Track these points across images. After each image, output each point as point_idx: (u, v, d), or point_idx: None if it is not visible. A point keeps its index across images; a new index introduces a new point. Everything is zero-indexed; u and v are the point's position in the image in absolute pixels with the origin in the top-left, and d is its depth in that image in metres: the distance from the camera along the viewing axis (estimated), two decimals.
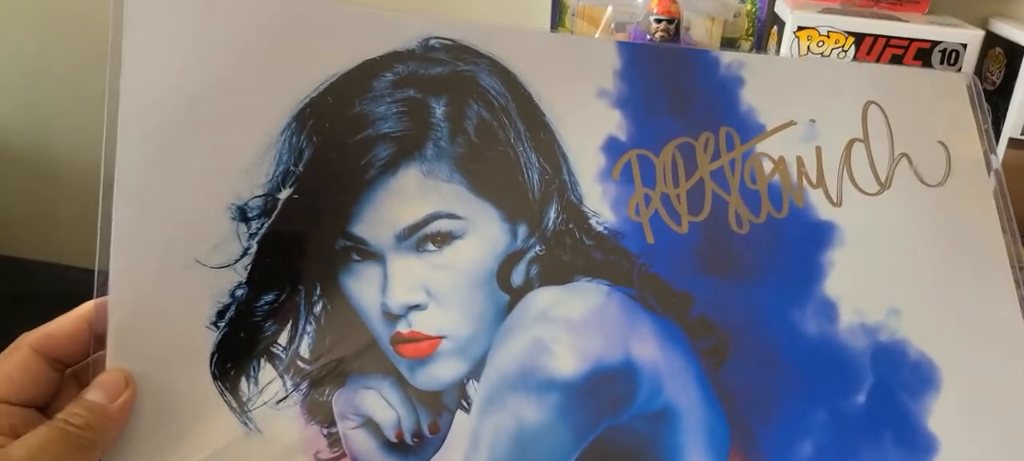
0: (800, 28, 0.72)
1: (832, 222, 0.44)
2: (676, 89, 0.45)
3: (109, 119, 0.37)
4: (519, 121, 0.42)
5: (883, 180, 0.46)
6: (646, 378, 0.40)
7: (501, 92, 0.42)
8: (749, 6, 0.85)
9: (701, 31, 0.84)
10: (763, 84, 0.46)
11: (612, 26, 0.84)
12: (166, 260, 0.37)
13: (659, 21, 0.80)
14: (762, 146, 0.45)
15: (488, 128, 0.42)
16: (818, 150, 0.45)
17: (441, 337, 0.39)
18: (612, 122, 0.44)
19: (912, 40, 0.71)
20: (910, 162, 0.46)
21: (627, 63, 0.45)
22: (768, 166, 0.45)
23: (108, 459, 0.35)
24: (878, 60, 0.72)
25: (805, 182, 0.45)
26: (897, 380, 0.42)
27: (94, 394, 0.35)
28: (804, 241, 0.44)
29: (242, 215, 0.38)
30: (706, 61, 0.46)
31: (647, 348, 0.40)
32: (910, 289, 0.44)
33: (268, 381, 0.38)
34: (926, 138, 0.47)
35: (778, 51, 0.76)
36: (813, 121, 0.46)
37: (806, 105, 0.46)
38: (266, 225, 0.39)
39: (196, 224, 0.38)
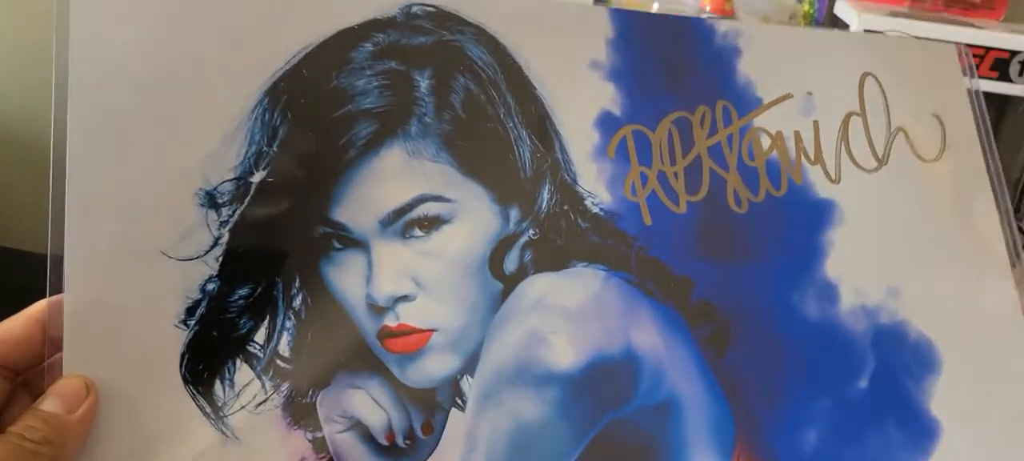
0: (866, 32, 0.68)
1: (831, 200, 0.43)
2: (671, 60, 0.43)
3: (58, 96, 0.33)
4: (509, 95, 0.39)
5: (880, 155, 0.44)
6: (648, 368, 0.38)
7: (489, 63, 0.39)
8: (806, 7, 0.81)
9: None
10: (760, 55, 0.44)
11: None
12: (127, 253, 0.34)
13: None
14: (759, 120, 0.43)
15: (476, 102, 0.39)
16: (816, 124, 0.44)
17: (432, 330, 0.37)
18: (606, 96, 0.41)
19: (989, 49, 0.66)
20: (907, 136, 0.45)
21: (620, 32, 0.42)
22: (766, 142, 0.43)
23: None
24: None
25: (803, 158, 0.43)
26: (898, 363, 0.41)
27: (51, 404, 0.32)
28: (804, 220, 0.42)
29: (211, 201, 0.35)
30: (702, 30, 0.44)
31: (648, 336, 0.38)
32: (908, 268, 0.43)
33: (245, 383, 0.35)
34: (921, 111, 0.46)
35: None
36: (810, 94, 0.44)
37: (803, 77, 0.44)
38: (238, 212, 0.35)
39: (160, 212, 0.34)
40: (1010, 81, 0.66)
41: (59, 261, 0.32)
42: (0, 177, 1.06)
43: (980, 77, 0.67)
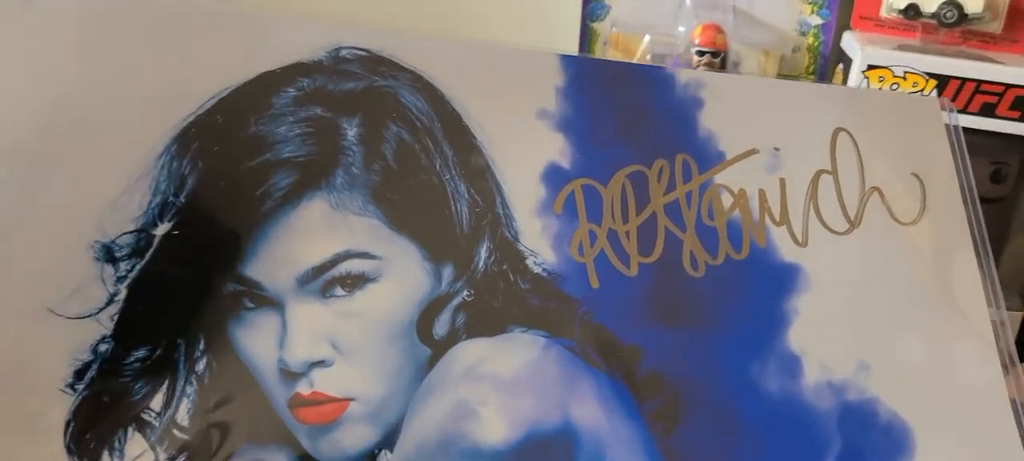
0: (870, 67, 0.63)
1: (797, 265, 0.39)
2: (627, 110, 0.40)
3: None
4: (446, 145, 0.37)
5: (853, 217, 0.41)
6: (586, 446, 0.34)
7: (425, 111, 0.37)
8: (811, 40, 0.77)
9: (752, 66, 0.76)
10: (723, 107, 0.41)
11: (648, 57, 0.76)
12: (9, 309, 0.31)
13: (702, 53, 0.72)
14: (722, 177, 0.40)
15: (409, 153, 0.36)
16: (782, 182, 0.41)
17: (349, 399, 0.34)
18: (554, 147, 0.38)
19: (1009, 86, 0.60)
20: (882, 197, 0.42)
21: (571, 79, 0.39)
22: (727, 200, 0.40)
23: None
24: (965, 108, 0.60)
25: (768, 218, 0.40)
26: (867, 445, 0.37)
27: None
28: (766, 286, 0.39)
29: (108, 255, 0.32)
30: (661, 79, 0.41)
31: (588, 410, 0.35)
32: (880, 341, 0.39)
33: (137, 455, 0.32)
34: (899, 169, 0.43)
35: None
36: (777, 150, 0.41)
37: (770, 131, 0.41)
38: (138, 267, 0.32)
39: (49, 265, 0.31)
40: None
41: None
42: None
43: (998, 117, 0.63)
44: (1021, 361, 0.40)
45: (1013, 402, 0.39)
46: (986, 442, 0.38)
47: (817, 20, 0.77)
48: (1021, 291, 0.71)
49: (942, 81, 0.62)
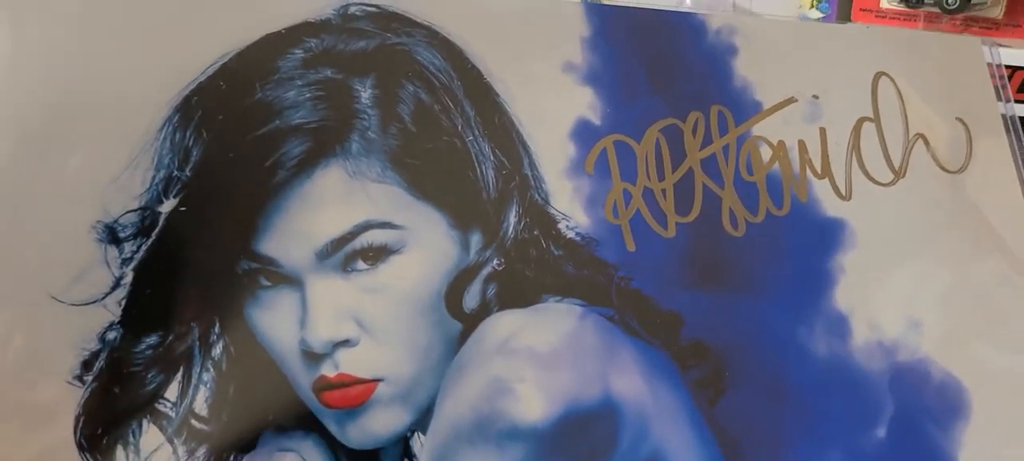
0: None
1: (841, 220, 0.37)
2: (658, 60, 0.37)
3: None
4: (467, 104, 0.34)
5: (897, 167, 0.39)
6: (630, 420, 0.33)
7: (443, 68, 0.34)
8: None
9: None
10: (759, 54, 0.38)
11: None
12: (11, 297, 0.29)
13: None
14: (759, 128, 0.38)
15: (428, 113, 0.34)
16: (823, 132, 0.38)
17: (377, 380, 0.31)
18: (582, 102, 0.36)
19: (1016, 69, 0.59)
20: (927, 144, 0.39)
21: (598, 29, 0.37)
22: (766, 153, 0.37)
23: None
24: None
25: (809, 171, 0.38)
26: (921, 407, 0.35)
27: None
28: (809, 243, 0.37)
29: (112, 236, 0.30)
30: (692, 25, 0.38)
31: (630, 382, 0.33)
32: (930, 297, 0.37)
33: (153, 448, 0.30)
34: (943, 114, 0.40)
35: None
36: (816, 97, 0.39)
37: (807, 77, 0.39)
38: (145, 247, 0.30)
39: (50, 250, 0.29)
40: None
41: None
42: None
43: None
44: None
45: None
46: None
47: (817, 14, 0.75)
48: None
49: None
